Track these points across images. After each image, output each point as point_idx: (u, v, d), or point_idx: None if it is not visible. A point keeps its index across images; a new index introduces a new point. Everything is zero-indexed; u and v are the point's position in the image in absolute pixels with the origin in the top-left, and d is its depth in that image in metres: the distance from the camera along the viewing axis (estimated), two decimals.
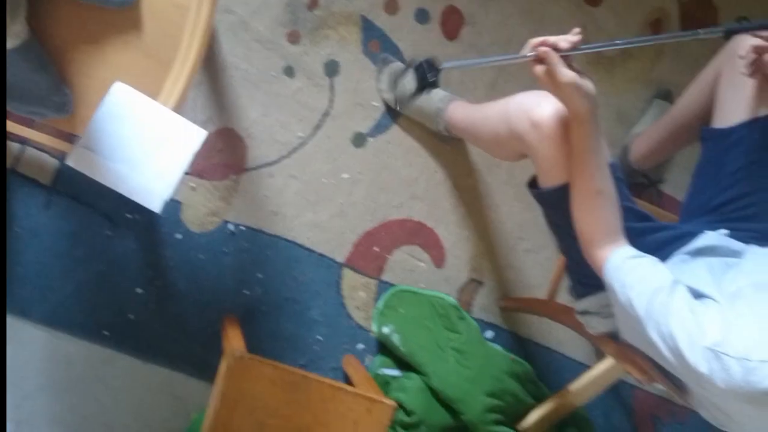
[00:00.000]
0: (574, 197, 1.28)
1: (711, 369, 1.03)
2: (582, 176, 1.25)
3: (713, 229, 1.40)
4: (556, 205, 1.36)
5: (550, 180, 1.34)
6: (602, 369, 1.81)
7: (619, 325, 1.33)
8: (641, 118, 2.07)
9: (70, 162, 1.16)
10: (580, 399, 1.88)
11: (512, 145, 1.41)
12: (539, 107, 1.31)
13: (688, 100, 1.70)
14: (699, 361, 1.04)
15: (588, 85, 1.18)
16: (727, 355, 1.01)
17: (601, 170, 1.24)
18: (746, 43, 1.41)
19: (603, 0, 2.02)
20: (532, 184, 1.44)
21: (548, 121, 1.29)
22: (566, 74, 1.16)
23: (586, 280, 1.40)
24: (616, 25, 2.03)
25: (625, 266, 1.21)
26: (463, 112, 1.73)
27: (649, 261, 1.22)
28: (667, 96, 2.06)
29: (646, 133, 1.94)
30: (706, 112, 1.55)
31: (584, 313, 1.49)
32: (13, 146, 1.64)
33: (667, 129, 1.81)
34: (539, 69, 1.19)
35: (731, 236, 1.37)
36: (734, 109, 1.44)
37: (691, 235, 1.39)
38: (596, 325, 1.48)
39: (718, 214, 1.44)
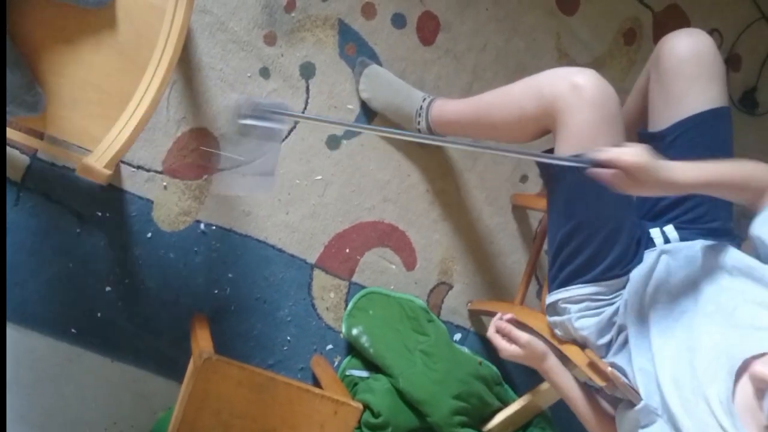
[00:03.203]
0: None
1: None
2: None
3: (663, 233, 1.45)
4: (576, 172, 1.36)
5: (576, 145, 1.35)
6: None
7: None
8: None
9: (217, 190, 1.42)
10: (544, 402, 1.91)
11: (538, 119, 1.42)
12: (580, 73, 1.36)
13: (628, 106, 1.74)
14: None
15: (539, 342, 1.50)
16: None
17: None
18: (672, 42, 1.47)
19: (577, 9, 2.04)
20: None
21: (589, 84, 1.34)
22: (522, 336, 1.49)
23: (569, 263, 1.43)
24: (590, 34, 2.05)
25: None
26: (456, 105, 1.72)
27: None
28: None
29: None
30: (644, 116, 1.57)
31: (555, 311, 1.51)
32: None
33: None
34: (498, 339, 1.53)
35: (680, 238, 1.43)
36: (665, 111, 1.47)
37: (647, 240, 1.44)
38: (565, 328, 1.50)
39: (666, 219, 1.48)
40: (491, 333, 1.56)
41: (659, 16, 2.15)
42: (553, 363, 1.51)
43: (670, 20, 2.17)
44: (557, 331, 1.55)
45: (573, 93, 1.35)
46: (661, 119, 1.50)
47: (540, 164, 1.48)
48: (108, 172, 1.12)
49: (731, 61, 2.26)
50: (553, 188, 1.46)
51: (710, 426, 1.12)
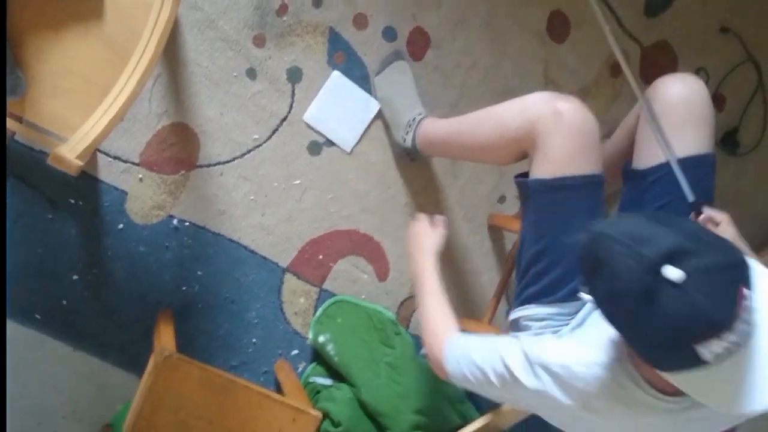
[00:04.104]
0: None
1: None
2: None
3: None
4: (549, 195, 1.40)
5: (550, 171, 1.38)
6: None
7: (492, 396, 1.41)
8: None
9: (307, 119, 1.84)
10: (505, 421, 1.92)
11: (521, 140, 1.44)
12: (564, 100, 1.39)
13: (614, 140, 1.76)
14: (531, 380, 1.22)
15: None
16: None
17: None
18: (665, 85, 1.51)
19: (567, 38, 2.06)
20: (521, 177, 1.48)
21: (571, 112, 1.37)
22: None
23: (534, 283, 1.44)
24: (578, 63, 2.07)
25: (460, 347, 1.37)
26: (442, 124, 1.75)
27: (473, 337, 1.39)
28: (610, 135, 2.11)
29: None
30: (629, 153, 1.59)
31: (517, 327, 1.52)
32: None
33: None
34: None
35: None
36: (650, 150, 1.48)
37: None
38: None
39: None
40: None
41: (647, 50, 2.17)
42: (430, 260, 1.60)
43: (658, 56, 2.19)
44: None
45: (554, 118, 1.38)
46: (646, 158, 1.52)
47: (518, 183, 1.49)
48: (79, 163, 1.12)
49: (715, 101, 2.26)
50: (527, 209, 1.48)
51: None
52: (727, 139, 2.33)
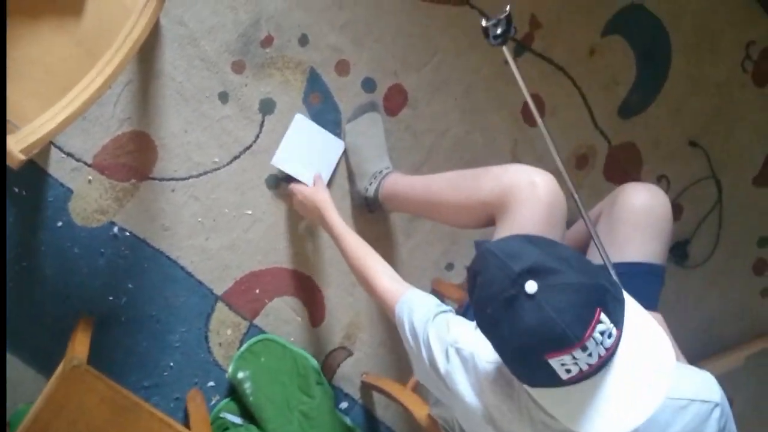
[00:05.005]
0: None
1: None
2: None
3: None
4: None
5: None
6: None
7: (414, 367, 1.44)
8: None
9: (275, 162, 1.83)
10: None
11: (488, 204, 1.48)
12: (540, 174, 1.46)
13: (572, 233, 1.78)
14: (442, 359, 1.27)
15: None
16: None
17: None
18: (633, 191, 1.56)
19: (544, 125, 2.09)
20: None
21: (546, 185, 1.44)
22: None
23: None
24: (546, 149, 2.09)
25: (413, 300, 1.40)
26: (409, 180, 1.78)
27: (429, 296, 1.42)
28: (569, 226, 2.13)
29: None
30: (585, 246, 1.62)
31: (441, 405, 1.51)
32: None
33: None
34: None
35: None
36: (606, 249, 1.50)
37: None
38: (446, 419, 1.50)
39: None
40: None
41: (614, 149, 2.21)
42: (332, 212, 1.67)
43: (624, 157, 2.23)
44: (440, 421, 1.55)
45: (529, 188, 1.42)
46: (595, 256, 1.53)
47: (478, 245, 1.53)
48: (21, 157, 1.09)
49: (673, 209, 2.32)
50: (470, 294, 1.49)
51: None
52: (678, 250, 2.37)
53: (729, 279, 2.49)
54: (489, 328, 1.08)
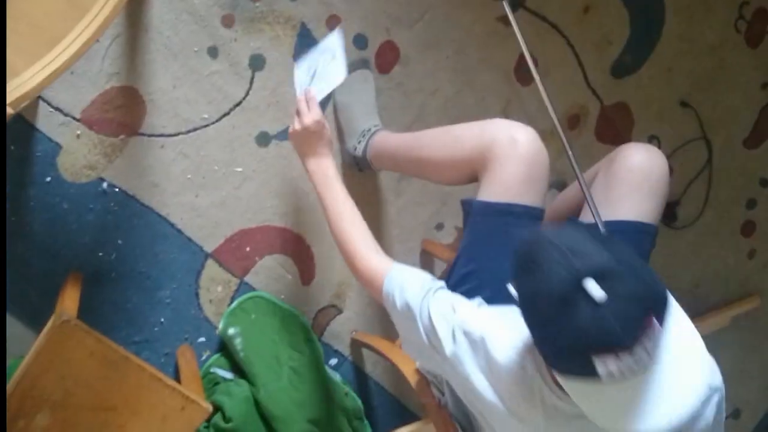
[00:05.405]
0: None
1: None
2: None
3: None
4: (489, 218, 1.42)
5: (497, 195, 1.41)
6: (422, 427, 1.85)
7: (404, 342, 1.45)
8: None
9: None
10: None
11: (471, 161, 1.47)
12: (522, 129, 1.44)
13: (567, 194, 1.78)
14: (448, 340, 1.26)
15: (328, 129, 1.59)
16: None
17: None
18: (631, 151, 1.54)
19: (533, 82, 2.07)
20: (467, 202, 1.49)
21: (527, 142, 1.42)
22: (318, 111, 1.57)
23: None
24: (538, 108, 2.09)
25: (402, 275, 1.38)
26: (396, 138, 1.76)
27: (418, 270, 1.41)
28: (562, 187, 2.14)
29: None
30: (578, 209, 1.62)
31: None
32: None
33: (547, 217, 1.88)
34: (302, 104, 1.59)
35: None
36: (600, 207, 1.50)
37: None
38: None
39: None
40: (300, 96, 1.62)
41: (606, 110, 2.21)
42: (330, 163, 1.58)
43: (616, 117, 2.23)
44: (428, 376, 1.57)
45: (510, 144, 1.41)
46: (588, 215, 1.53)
47: (463, 202, 1.51)
48: (10, 111, 1.07)
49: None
50: (467, 229, 1.49)
51: None
52: (666, 210, 2.36)
53: (717, 240, 2.51)
54: (536, 321, 1.05)
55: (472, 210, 1.45)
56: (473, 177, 1.51)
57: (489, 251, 1.42)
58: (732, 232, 2.54)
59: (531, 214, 1.42)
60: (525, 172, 1.40)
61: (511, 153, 1.40)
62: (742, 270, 2.61)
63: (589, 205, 1.46)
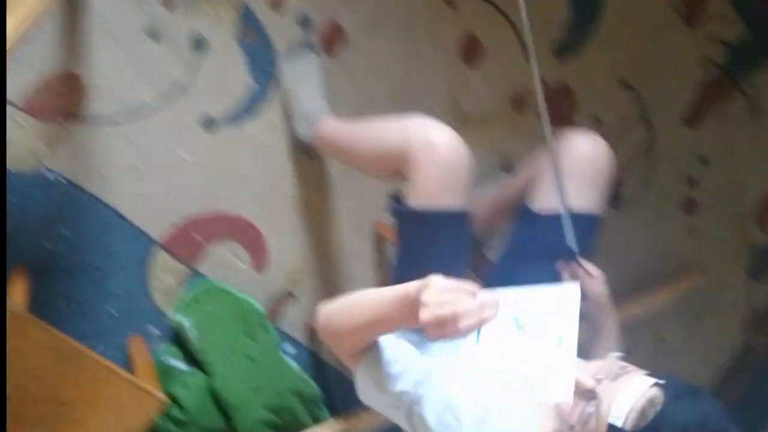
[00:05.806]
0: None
1: None
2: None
3: None
4: (414, 225, 1.42)
5: (420, 200, 1.40)
6: None
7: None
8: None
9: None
10: (357, 428, 1.91)
11: (395, 161, 1.45)
12: (438, 131, 1.41)
13: (519, 176, 1.80)
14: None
15: None
16: None
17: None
18: (574, 142, 1.56)
19: (480, 65, 2.09)
20: (396, 200, 1.48)
21: (443, 144, 1.39)
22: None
23: None
24: (485, 91, 2.10)
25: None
26: (335, 127, 1.75)
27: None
28: (508, 169, 2.16)
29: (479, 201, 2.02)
30: (527, 195, 1.64)
31: None
32: None
33: (494, 200, 1.90)
34: None
35: None
36: (548, 196, 1.53)
37: None
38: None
39: None
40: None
41: (549, 92, 2.23)
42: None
43: (558, 98, 2.26)
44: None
45: (426, 149, 1.39)
46: (542, 202, 1.57)
47: (389, 203, 1.50)
48: None
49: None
50: (398, 234, 1.50)
51: None
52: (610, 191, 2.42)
53: (659, 219, 2.57)
54: None
55: (401, 216, 1.46)
56: (402, 174, 1.49)
57: (415, 261, 1.41)
58: (674, 210, 2.60)
59: (456, 219, 1.41)
60: (445, 175, 1.39)
61: (428, 158, 1.38)
62: (685, 247, 2.67)
63: (559, 196, 1.46)
